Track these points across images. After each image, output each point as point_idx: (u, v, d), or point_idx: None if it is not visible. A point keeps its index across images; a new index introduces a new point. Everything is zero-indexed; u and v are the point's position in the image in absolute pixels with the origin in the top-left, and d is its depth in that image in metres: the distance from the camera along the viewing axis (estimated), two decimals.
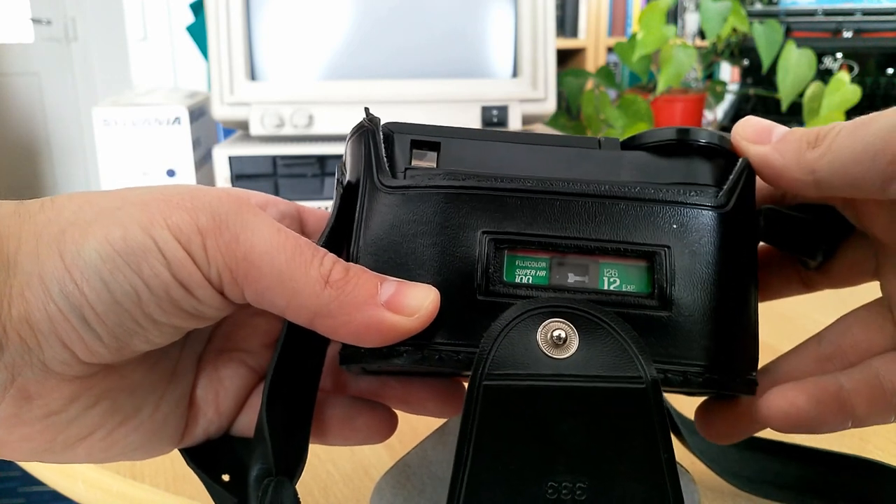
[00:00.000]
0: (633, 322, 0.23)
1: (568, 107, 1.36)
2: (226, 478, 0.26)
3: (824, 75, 1.19)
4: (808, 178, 0.24)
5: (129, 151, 0.86)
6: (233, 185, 0.84)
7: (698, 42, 1.39)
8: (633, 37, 1.18)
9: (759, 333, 0.25)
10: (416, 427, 0.33)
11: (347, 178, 0.26)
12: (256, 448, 0.24)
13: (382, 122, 0.25)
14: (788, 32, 1.20)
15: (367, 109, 0.26)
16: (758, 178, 0.25)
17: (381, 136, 0.25)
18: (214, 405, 0.27)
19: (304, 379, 0.26)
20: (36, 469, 0.41)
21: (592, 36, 2.44)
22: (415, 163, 0.25)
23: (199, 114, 0.92)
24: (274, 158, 0.85)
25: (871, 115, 0.23)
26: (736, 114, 1.38)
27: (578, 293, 0.23)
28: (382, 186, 0.24)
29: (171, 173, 0.87)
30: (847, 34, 1.20)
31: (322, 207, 0.47)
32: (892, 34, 1.19)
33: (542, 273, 0.24)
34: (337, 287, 0.22)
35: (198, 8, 1.27)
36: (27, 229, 0.21)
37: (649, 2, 1.15)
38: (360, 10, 0.88)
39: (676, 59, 1.10)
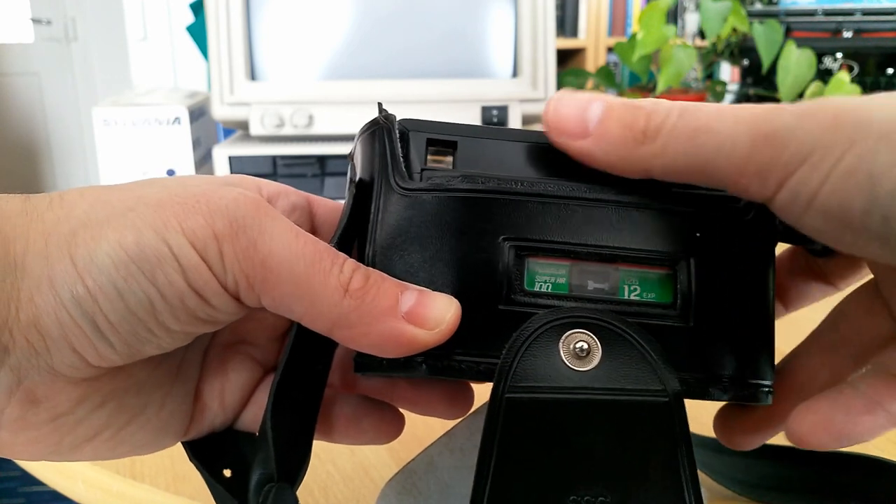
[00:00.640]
0: (655, 332, 0.22)
1: None
2: (227, 473, 0.26)
3: (824, 75, 1.19)
4: (643, 175, 0.22)
5: (129, 151, 0.86)
6: None
7: (698, 42, 1.39)
8: (633, 37, 1.18)
9: None
10: (415, 427, 0.33)
11: (359, 175, 0.25)
12: (259, 451, 0.24)
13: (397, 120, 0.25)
14: (788, 32, 1.20)
15: (380, 105, 0.25)
16: None
17: (398, 135, 0.24)
18: (220, 399, 0.26)
19: (311, 384, 0.25)
20: (36, 469, 0.41)
21: (592, 36, 2.44)
22: (430, 162, 0.24)
23: (199, 114, 0.92)
24: (274, 158, 0.85)
25: (706, 112, 0.21)
26: None
27: (599, 302, 0.23)
28: (399, 188, 0.23)
29: (171, 173, 0.87)
30: (847, 34, 1.20)
31: None
32: (892, 34, 1.18)
33: (563, 280, 0.23)
34: (356, 297, 0.21)
35: (198, 8, 1.27)
36: (35, 228, 0.20)
37: (649, 2, 1.15)
38: (360, 11, 0.88)
39: (676, 59, 1.10)
